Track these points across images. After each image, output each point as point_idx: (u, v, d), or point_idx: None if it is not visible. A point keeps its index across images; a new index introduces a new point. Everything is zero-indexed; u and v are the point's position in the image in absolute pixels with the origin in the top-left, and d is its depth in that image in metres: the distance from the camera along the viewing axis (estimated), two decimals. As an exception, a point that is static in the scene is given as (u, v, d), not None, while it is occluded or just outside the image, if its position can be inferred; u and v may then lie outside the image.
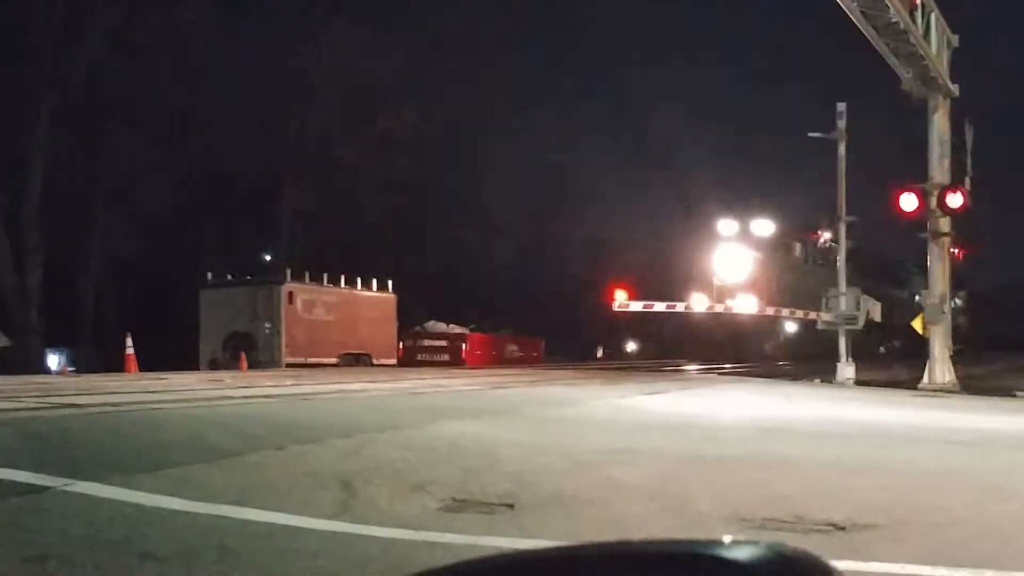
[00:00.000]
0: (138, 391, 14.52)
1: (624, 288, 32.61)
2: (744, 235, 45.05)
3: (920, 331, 25.63)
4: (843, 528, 6.17)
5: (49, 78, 40.39)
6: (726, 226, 45.80)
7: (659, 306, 34.68)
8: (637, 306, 32.83)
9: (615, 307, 31.90)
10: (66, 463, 7.51)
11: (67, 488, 6.60)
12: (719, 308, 36.15)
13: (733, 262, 42.69)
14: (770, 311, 37.50)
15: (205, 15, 43.41)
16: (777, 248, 47.71)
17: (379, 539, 5.60)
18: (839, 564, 4.14)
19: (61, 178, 41.68)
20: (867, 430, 12.87)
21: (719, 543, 1.24)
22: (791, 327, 47.01)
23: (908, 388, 24.28)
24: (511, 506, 6.62)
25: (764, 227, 45.39)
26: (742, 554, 1.21)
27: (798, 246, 50.70)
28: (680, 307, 35.22)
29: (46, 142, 41.26)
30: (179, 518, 5.96)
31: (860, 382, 26.01)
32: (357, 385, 17.32)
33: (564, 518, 6.36)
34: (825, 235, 41.37)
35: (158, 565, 4.96)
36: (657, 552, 1.31)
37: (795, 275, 46.88)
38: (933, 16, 24.52)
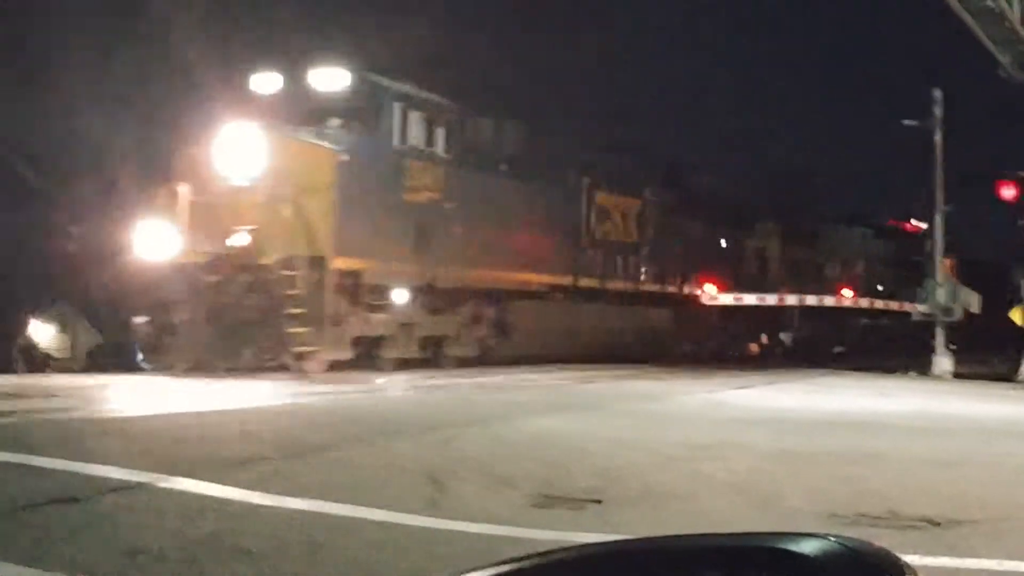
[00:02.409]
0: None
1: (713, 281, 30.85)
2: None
3: (1019, 322, 25.11)
4: (938, 524, 6.06)
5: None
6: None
7: (749, 299, 30.45)
8: (727, 299, 30.09)
9: (705, 301, 30.16)
10: (158, 459, 7.63)
11: (160, 484, 6.71)
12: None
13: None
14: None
15: None
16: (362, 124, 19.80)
17: (467, 534, 5.62)
18: (934, 561, 4.07)
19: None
20: (963, 424, 12.63)
21: (790, 536, 1.25)
22: (400, 295, 19.76)
23: (1008, 381, 23.75)
24: (599, 501, 6.61)
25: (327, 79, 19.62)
26: (811, 548, 1.22)
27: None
28: (772, 299, 31.22)
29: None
30: (269, 513, 6.04)
31: (958, 375, 25.52)
32: (443, 380, 17.37)
33: (652, 513, 6.33)
34: (920, 224, 39.32)
35: (249, 559, 5.02)
36: (728, 545, 1.32)
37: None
38: (1030, 0, 23.93)
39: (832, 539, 1.24)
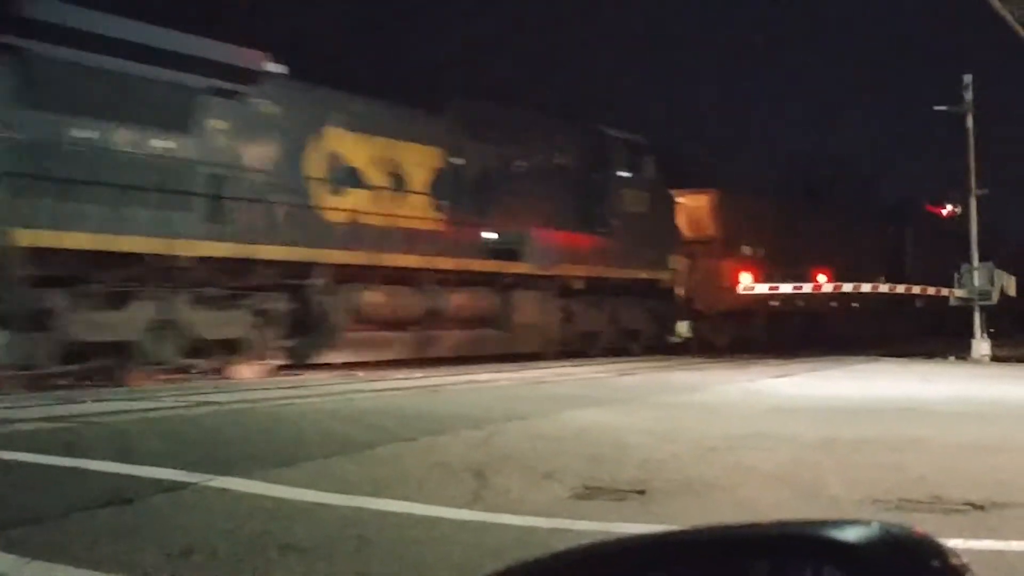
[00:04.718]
0: (272, 387, 14.84)
1: (751, 270, 29.85)
2: None
3: None
4: (982, 508, 6.07)
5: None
6: None
7: (785, 287, 29.31)
8: (763, 289, 29.28)
9: (739, 291, 29.77)
10: (207, 459, 7.74)
11: (208, 483, 6.80)
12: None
13: None
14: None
15: None
16: None
17: (512, 527, 5.66)
18: (979, 544, 4.11)
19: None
20: (1004, 408, 12.56)
21: (831, 523, 1.25)
22: None
23: None
24: (641, 492, 6.65)
25: None
26: (853, 534, 1.22)
27: None
28: (807, 287, 29.63)
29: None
30: (317, 510, 6.11)
31: (996, 358, 25.35)
32: (485, 375, 17.45)
33: (695, 504, 6.36)
34: (952, 207, 37.10)
35: (299, 556, 5.09)
36: (767, 533, 1.33)
37: None
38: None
39: (874, 525, 1.24)
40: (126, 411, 11.29)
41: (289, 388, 14.61)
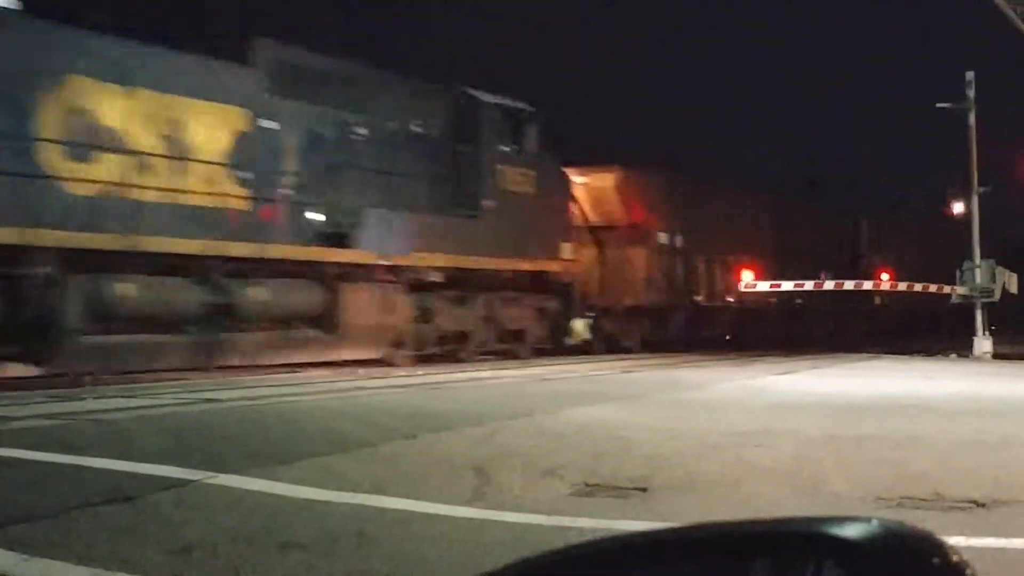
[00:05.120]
0: (273, 384, 14.83)
1: (751, 267, 29.47)
2: None
3: None
4: (983, 505, 6.06)
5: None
6: None
7: (787, 285, 27.66)
8: (764, 286, 27.87)
9: (741, 287, 29.26)
10: (207, 456, 7.74)
11: (209, 481, 6.80)
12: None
13: None
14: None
15: None
16: None
17: (513, 524, 5.67)
18: (980, 542, 4.09)
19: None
20: (1005, 405, 12.54)
21: (832, 520, 1.25)
22: None
23: None
24: (644, 489, 6.64)
25: None
26: (853, 531, 1.22)
27: None
28: (809, 285, 27.70)
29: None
30: (318, 507, 6.10)
31: (998, 355, 25.33)
32: (487, 372, 17.44)
33: (697, 501, 6.36)
34: (957, 206, 36.47)
35: (299, 553, 5.09)
36: (769, 531, 1.33)
37: None
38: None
39: (874, 522, 1.24)
40: (126, 408, 11.28)
41: (290, 386, 14.61)
